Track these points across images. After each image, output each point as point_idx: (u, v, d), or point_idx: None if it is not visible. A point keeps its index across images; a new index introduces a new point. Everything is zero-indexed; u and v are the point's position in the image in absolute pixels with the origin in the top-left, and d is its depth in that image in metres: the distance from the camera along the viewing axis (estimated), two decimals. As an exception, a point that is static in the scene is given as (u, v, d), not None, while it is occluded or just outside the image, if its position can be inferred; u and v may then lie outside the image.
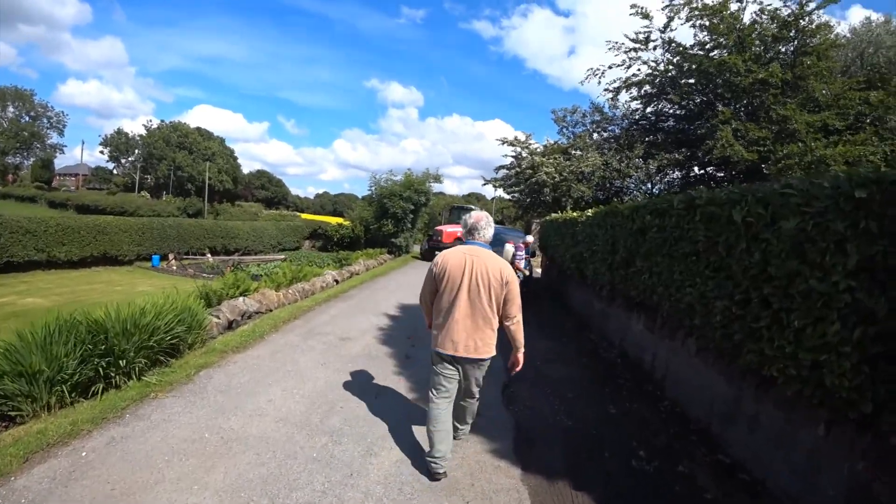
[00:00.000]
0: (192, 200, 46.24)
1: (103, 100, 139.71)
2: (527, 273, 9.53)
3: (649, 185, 21.46)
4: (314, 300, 8.78)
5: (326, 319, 7.26)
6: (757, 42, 16.93)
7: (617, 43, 19.72)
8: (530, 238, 10.37)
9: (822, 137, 14.97)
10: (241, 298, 7.62)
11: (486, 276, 3.05)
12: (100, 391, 4.20)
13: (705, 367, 4.42)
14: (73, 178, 75.09)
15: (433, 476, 3.08)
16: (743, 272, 3.35)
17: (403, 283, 12.17)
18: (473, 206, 22.92)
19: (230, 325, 7.04)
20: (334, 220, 34.22)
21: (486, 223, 3.26)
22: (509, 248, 8.51)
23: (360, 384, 4.67)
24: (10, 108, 64.57)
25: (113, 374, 4.34)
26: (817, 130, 15.28)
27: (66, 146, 70.53)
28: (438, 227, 20.81)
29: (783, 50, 17.12)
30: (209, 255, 21.92)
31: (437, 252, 15.36)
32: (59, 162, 73.57)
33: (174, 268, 18.90)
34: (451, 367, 3.16)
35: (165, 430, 3.55)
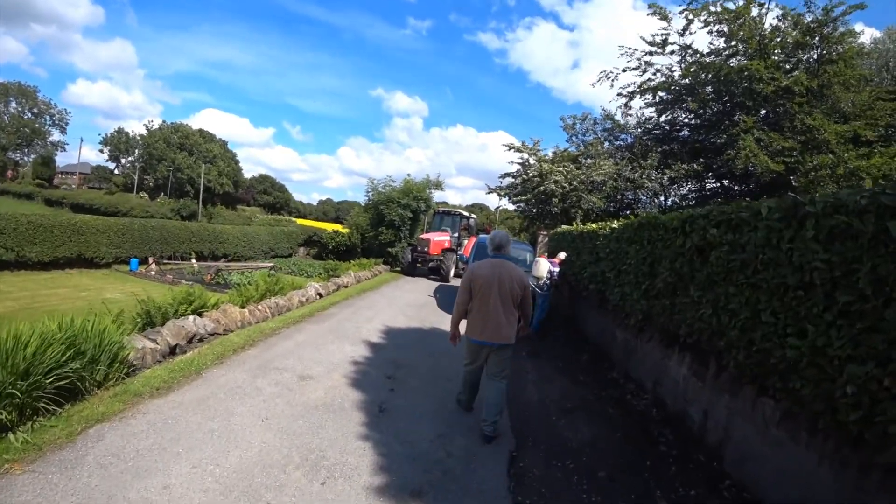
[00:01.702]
0: (187, 202, 45.03)
1: (112, 101, 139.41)
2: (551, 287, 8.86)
3: (662, 198, 20.23)
4: (284, 320, 7.44)
5: (290, 347, 5.89)
6: (777, 50, 16.07)
7: (630, 49, 18.77)
8: (563, 255, 9.38)
9: (852, 148, 14.16)
10: (191, 318, 6.29)
11: (511, 283, 3.95)
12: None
13: (794, 444, 3.11)
14: (75, 177, 74.33)
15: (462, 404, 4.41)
16: (914, 325, 2.03)
17: (395, 300, 10.79)
18: (464, 212, 20.37)
19: (173, 351, 5.71)
20: (330, 227, 32.94)
21: (507, 241, 4.22)
22: (544, 263, 8.57)
23: (307, 456, 3.31)
24: (13, 104, 64.03)
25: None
26: (847, 141, 14.44)
27: (67, 144, 69.61)
28: (424, 236, 17.51)
29: (804, 58, 16.24)
30: (194, 261, 20.56)
31: (418, 264, 13.73)
32: (63, 160, 73.06)
33: (153, 273, 17.59)
34: (480, 351, 4.07)
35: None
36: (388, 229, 19.90)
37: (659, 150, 18.63)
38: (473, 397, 4.37)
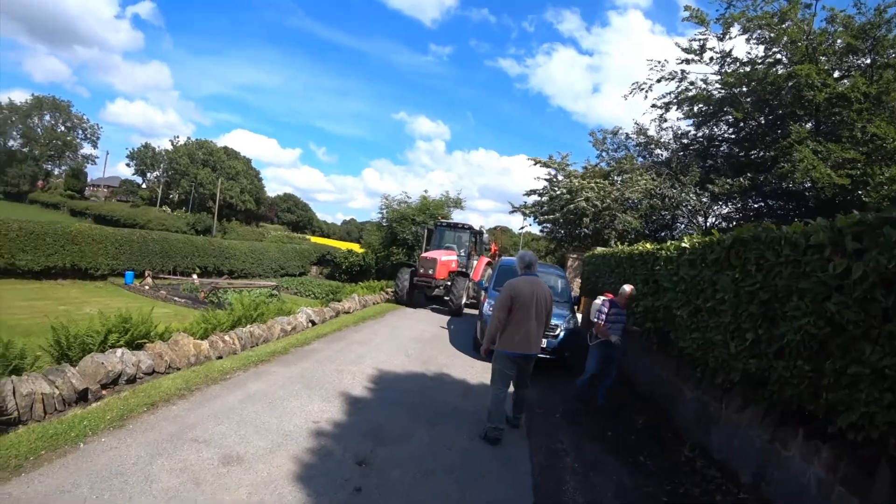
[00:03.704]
0: (202, 216, 44.53)
1: (147, 120, 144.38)
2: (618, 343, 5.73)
3: (701, 218, 18.36)
4: (248, 358, 5.84)
5: (233, 403, 4.24)
6: (824, 56, 14.62)
7: (660, 62, 17.40)
8: (628, 288, 5.78)
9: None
10: (119, 351, 4.82)
11: (545, 298, 4.43)
12: None
13: None
14: (104, 189, 75.94)
15: (494, 440, 4.26)
16: None
17: (397, 332, 9.00)
18: (474, 226, 15.45)
19: (83, 397, 4.23)
20: (345, 246, 31.72)
21: (535, 260, 4.73)
22: (597, 302, 5.98)
23: None
24: (47, 117, 66.01)
25: None
26: (920, 150, 12.94)
27: (97, 157, 71.45)
28: (427, 255, 13.29)
29: (857, 63, 14.75)
30: (195, 277, 19.31)
31: (416, 287, 10.32)
32: (96, 173, 74.99)
33: (147, 287, 16.40)
34: (513, 363, 4.40)
35: None
36: (401, 249, 18.38)
37: (699, 165, 16.96)
38: (503, 423, 4.43)
